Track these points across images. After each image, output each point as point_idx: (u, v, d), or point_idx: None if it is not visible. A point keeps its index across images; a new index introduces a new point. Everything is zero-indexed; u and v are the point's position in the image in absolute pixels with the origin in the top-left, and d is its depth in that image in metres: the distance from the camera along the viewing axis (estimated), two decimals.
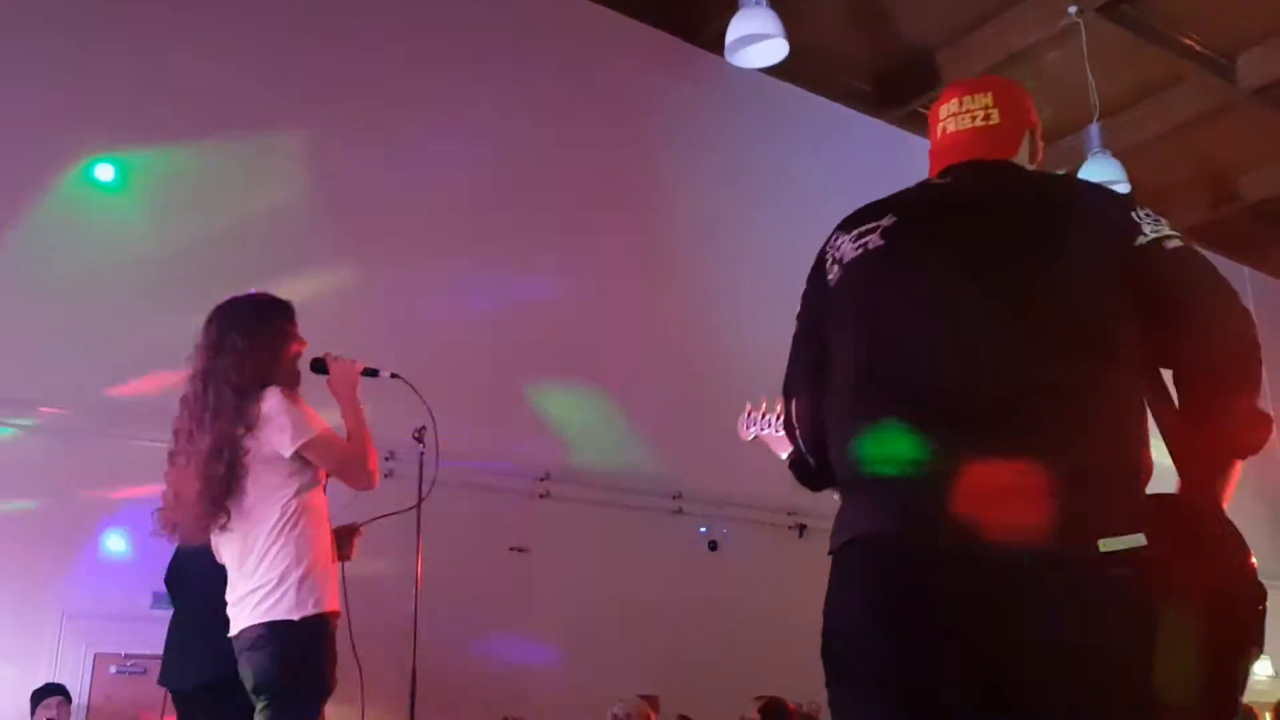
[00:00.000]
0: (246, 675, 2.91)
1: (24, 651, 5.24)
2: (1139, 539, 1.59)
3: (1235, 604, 1.70)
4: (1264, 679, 9.33)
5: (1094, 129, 8.28)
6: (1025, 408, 1.65)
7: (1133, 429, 1.68)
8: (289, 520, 2.93)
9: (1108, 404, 1.67)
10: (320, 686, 2.91)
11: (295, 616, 2.85)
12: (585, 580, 6.59)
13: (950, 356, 1.72)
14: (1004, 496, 1.60)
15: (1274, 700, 7.37)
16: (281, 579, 2.88)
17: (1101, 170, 8.24)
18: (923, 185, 2.02)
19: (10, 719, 4.92)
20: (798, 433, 1.96)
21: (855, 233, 1.93)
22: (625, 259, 7.44)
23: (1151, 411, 1.75)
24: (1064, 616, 1.56)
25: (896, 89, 9.02)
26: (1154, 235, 1.75)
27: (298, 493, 2.97)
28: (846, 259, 1.92)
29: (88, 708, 5.15)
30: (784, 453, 2.11)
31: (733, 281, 7.75)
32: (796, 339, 2.01)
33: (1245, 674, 1.72)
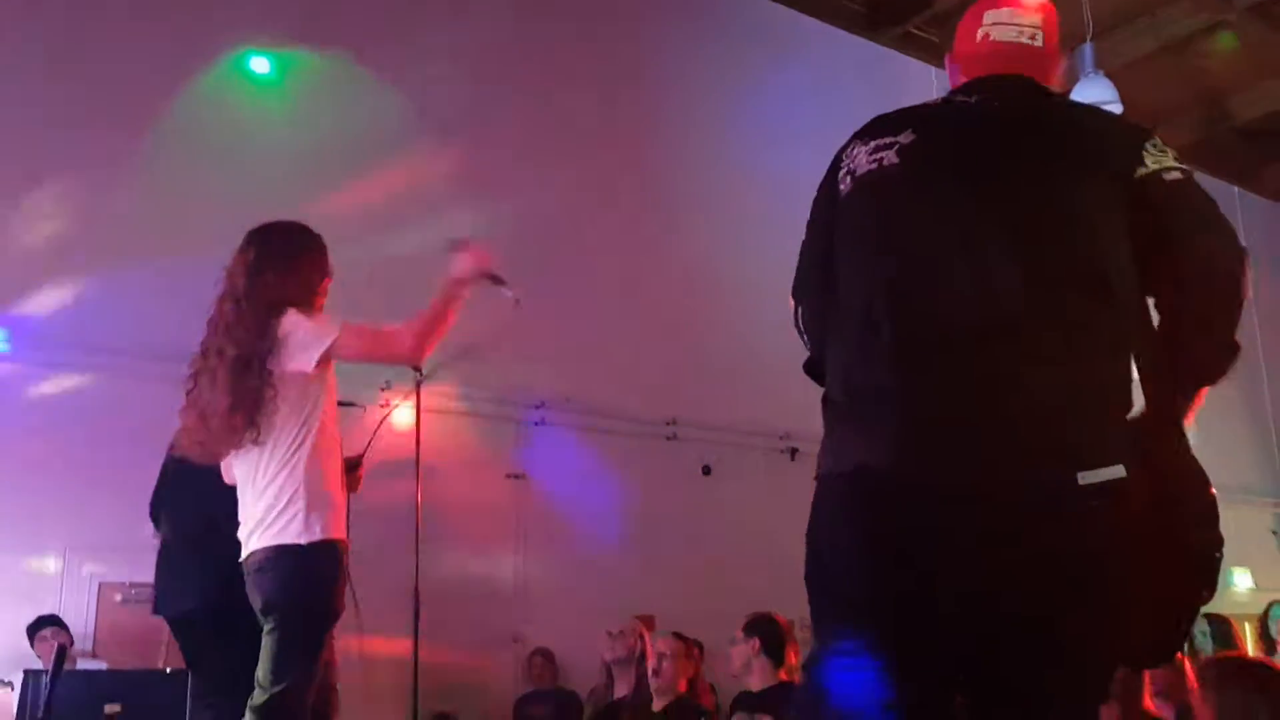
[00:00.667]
0: (255, 598, 2.94)
1: (29, 583, 5.32)
2: (1117, 470, 1.61)
3: (1192, 553, 1.70)
4: (1244, 591, 9.53)
5: (1087, 49, 8.21)
6: (1024, 336, 1.67)
7: (1124, 362, 1.69)
8: (301, 445, 2.94)
9: (1103, 336, 1.68)
10: (327, 610, 2.93)
11: (303, 541, 2.87)
12: (582, 505, 6.68)
13: (954, 284, 1.72)
14: (992, 427, 1.64)
15: (1255, 612, 7.53)
16: (290, 503, 2.89)
17: (1094, 91, 8.19)
18: (946, 102, 1.98)
19: (18, 649, 5.01)
20: (806, 338, 1.97)
21: (872, 145, 1.90)
22: (622, 190, 7.41)
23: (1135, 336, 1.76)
24: (1044, 543, 1.60)
25: (891, 10, 8.93)
26: (1154, 167, 1.76)
27: (310, 417, 2.97)
28: (859, 171, 1.89)
29: (94, 637, 5.23)
30: None
31: (727, 210, 7.73)
32: (805, 243, 1.99)
33: (1193, 620, 1.75)
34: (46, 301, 5.58)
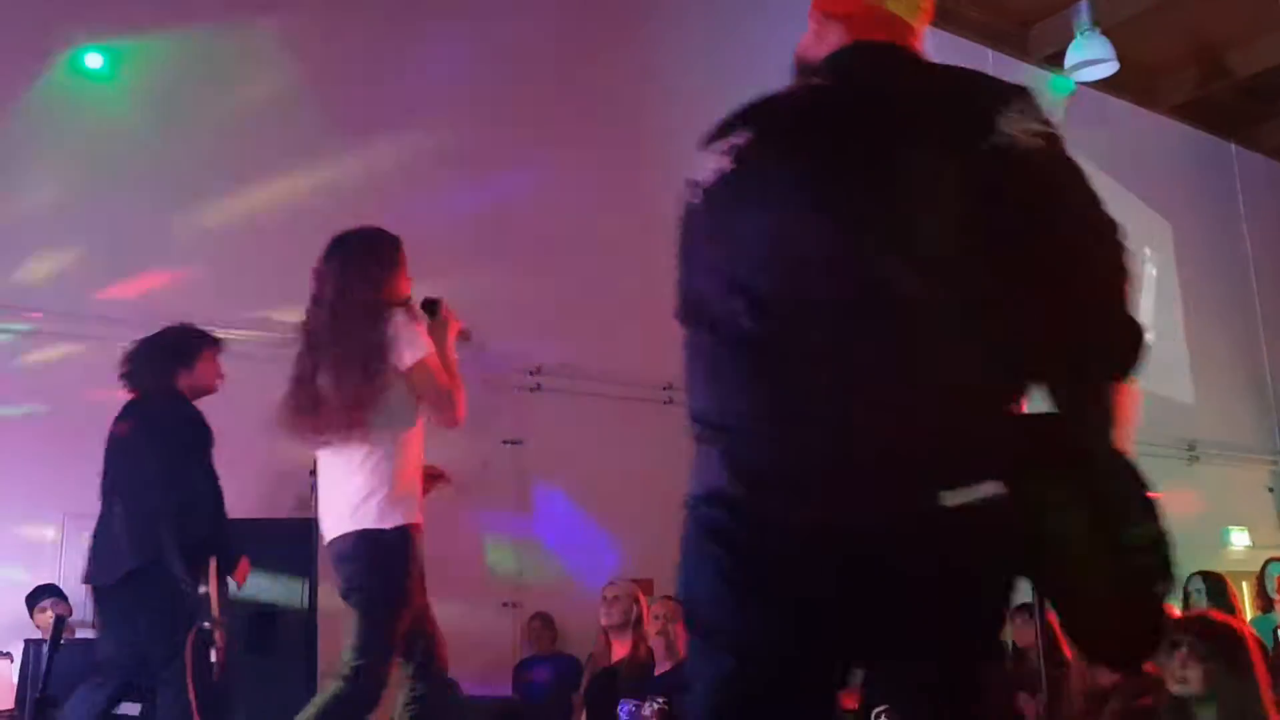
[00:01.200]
0: (338, 579, 3.17)
1: (29, 553, 5.32)
2: (991, 487, 1.47)
3: (1131, 552, 1.51)
4: (1240, 549, 9.58)
5: (1084, 6, 8.15)
6: (860, 363, 1.51)
7: (992, 367, 1.52)
8: (394, 438, 3.16)
9: (962, 342, 1.50)
10: (401, 595, 3.11)
11: (386, 525, 3.08)
12: (579, 470, 6.69)
13: (783, 312, 1.56)
14: (843, 459, 1.50)
15: (1252, 570, 7.57)
16: (374, 491, 3.10)
17: (1091, 48, 8.14)
18: (795, 86, 1.77)
19: (20, 618, 5.02)
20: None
21: (715, 148, 1.72)
22: (617, 152, 7.36)
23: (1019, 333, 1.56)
24: (915, 578, 1.48)
25: None
26: (1012, 134, 1.54)
27: (405, 419, 3.20)
28: (704, 181, 1.73)
29: (93, 607, 5.24)
30: None
31: None
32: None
33: (1159, 616, 1.56)
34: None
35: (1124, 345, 1.55)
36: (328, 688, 3.08)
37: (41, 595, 5.01)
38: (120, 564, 3.65)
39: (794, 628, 1.54)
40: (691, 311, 1.76)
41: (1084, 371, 1.56)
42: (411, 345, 3.17)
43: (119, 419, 3.87)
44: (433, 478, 3.49)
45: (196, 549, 3.58)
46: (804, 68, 1.79)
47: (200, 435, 3.80)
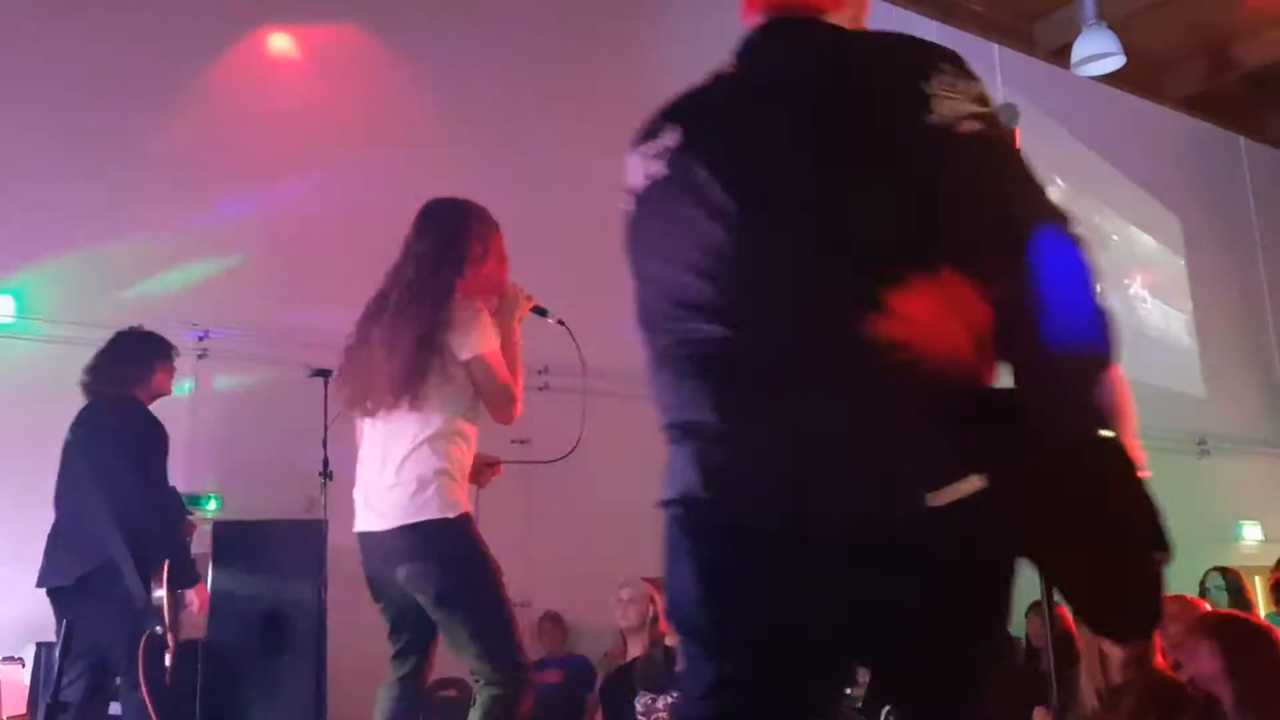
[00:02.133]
0: (400, 582, 2.90)
1: (30, 555, 5.32)
2: (973, 482, 1.41)
3: (1122, 524, 1.46)
4: (1254, 544, 9.53)
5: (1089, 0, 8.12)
6: (813, 365, 1.45)
7: (954, 359, 1.43)
8: (447, 427, 2.97)
9: (912, 339, 1.41)
10: (494, 582, 2.96)
11: (451, 514, 2.90)
12: (587, 469, 6.67)
13: (729, 318, 1.51)
14: (808, 468, 1.44)
15: (1266, 564, 7.53)
16: (437, 474, 2.90)
17: (1097, 43, 8.11)
18: (715, 78, 1.68)
19: (19, 620, 5.02)
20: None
21: (647, 152, 1.66)
22: (622, 147, 7.33)
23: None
24: (902, 587, 1.43)
25: None
26: (946, 115, 1.41)
27: (463, 405, 3.03)
28: (638, 188, 1.69)
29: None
30: None
31: None
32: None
33: (1158, 590, 1.53)
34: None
35: (1088, 354, 1.44)
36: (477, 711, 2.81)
37: None
38: (73, 567, 3.70)
39: (773, 629, 1.50)
40: (644, 319, 1.70)
41: (1050, 365, 1.43)
42: (469, 337, 2.97)
43: (75, 423, 3.92)
44: (487, 465, 3.33)
45: (148, 554, 3.61)
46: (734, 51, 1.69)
47: (156, 440, 3.83)
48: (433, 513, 2.86)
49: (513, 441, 6.68)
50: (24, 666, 4.68)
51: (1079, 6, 8.19)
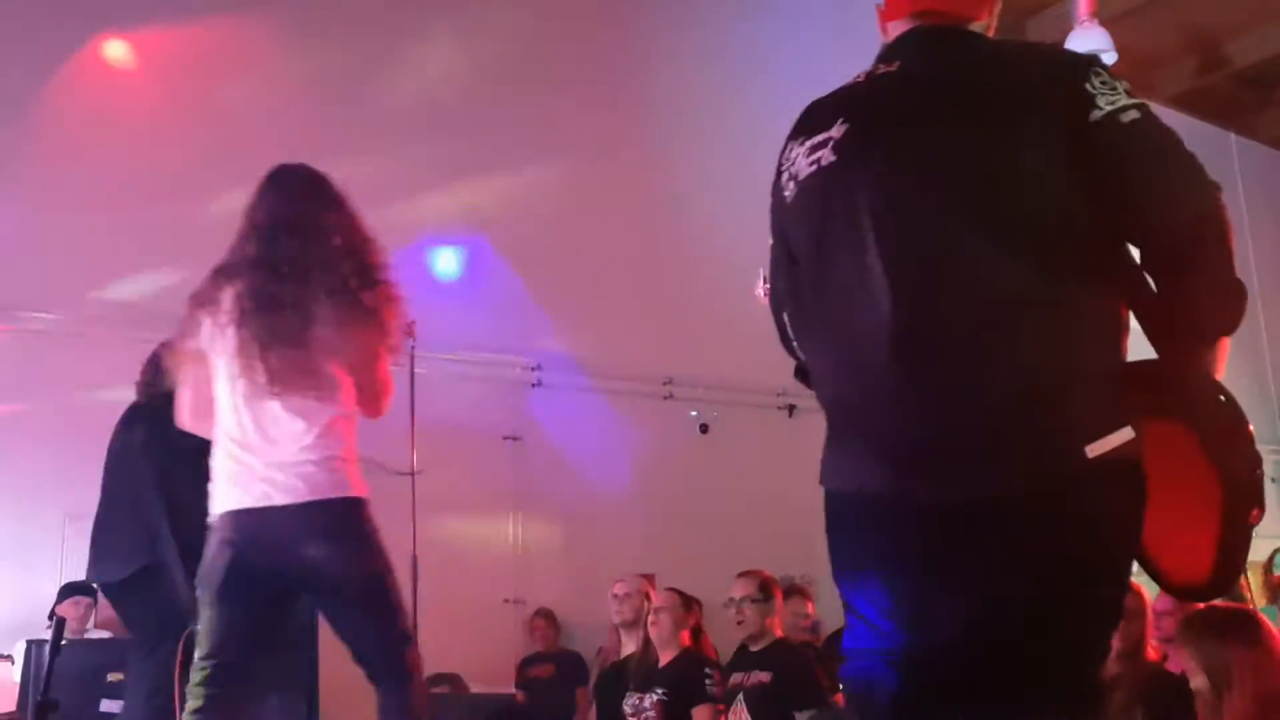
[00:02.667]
0: (294, 567, 2.71)
1: (30, 553, 5.32)
2: (1126, 432, 1.55)
3: (1240, 475, 1.62)
4: None
5: None
6: (975, 339, 1.58)
7: (1096, 333, 1.62)
8: (346, 404, 2.80)
9: (1066, 311, 1.59)
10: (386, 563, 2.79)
11: (354, 494, 2.74)
12: (580, 466, 6.67)
13: (893, 294, 1.61)
14: (972, 436, 1.56)
15: (1258, 560, 7.53)
16: (338, 454, 2.74)
17: (1088, 41, 8.11)
18: (870, 76, 1.81)
19: (20, 619, 5.02)
20: (794, 344, 1.92)
21: (809, 144, 1.78)
22: (609, 143, 7.34)
23: (1126, 298, 1.67)
24: (1058, 534, 1.53)
25: None
26: (1109, 108, 1.60)
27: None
28: (801, 175, 1.78)
29: (95, 606, 5.25)
30: None
31: (719, 163, 7.67)
32: (772, 252, 1.92)
33: (1247, 543, 1.66)
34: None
35: (1227, 316, 1.69)
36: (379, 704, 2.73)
37: (74, 591, 5.05)
38: (122, 563, 3.69)
39: (891, 601, 1.63)
40: (788, 293, 1.85)
41: (1188, 336, 1.67)
42: (344, 329, 2.77)
43: (123, 420, 3.90)
44: None
45: (195, 551, 3.59)
46: (881, 53, 1.82)
47: (202, 440, 3.82)
48: (349, 490, 2.74)
49: (505, 438, 6.70)
50: (14, 664, 4.67)
51: (1071, 4, 8.19)
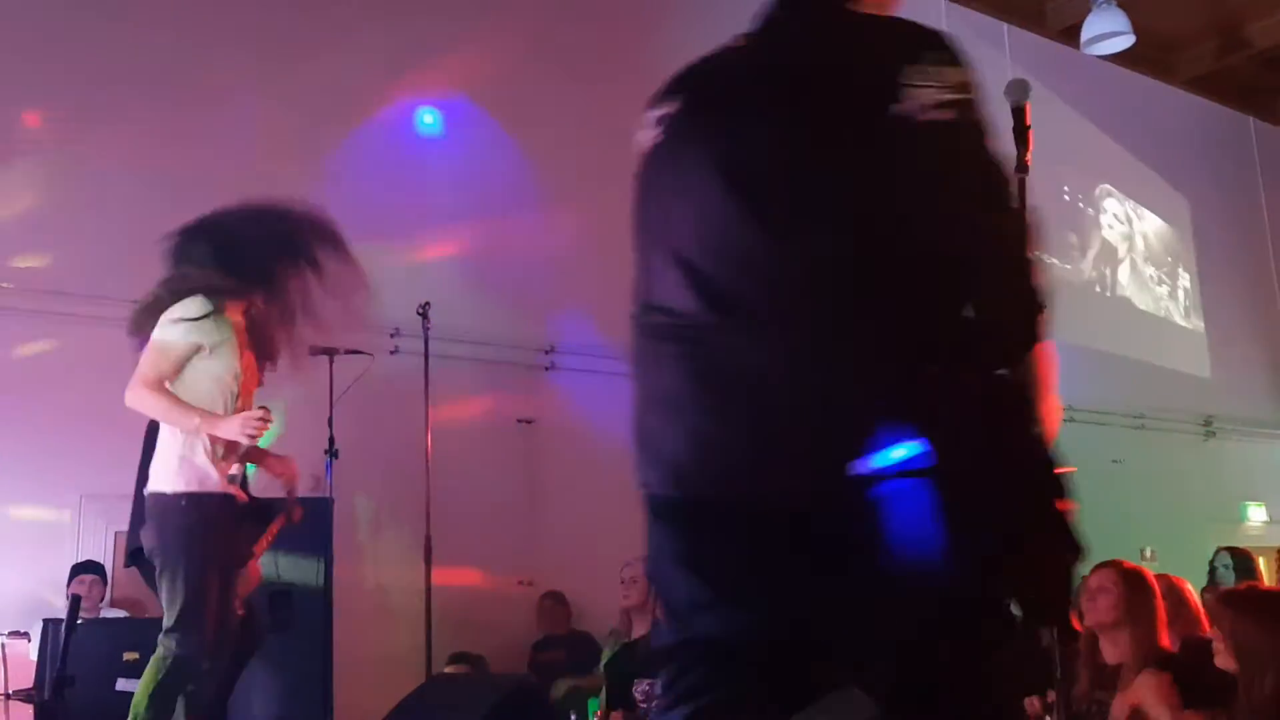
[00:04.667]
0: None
1: (47, 532, 5.36)
2: (915, 445, 1.39)
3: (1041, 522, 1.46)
4: (1258, 525, 9.53)
5: None
6: (773, 347, 1.49)
7: (897, 349, 1.44)
8: None
9: (855, 328, 1.44)
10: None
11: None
12: (592, 449, 6.67)
13: (704, 295, 1.55)
14: (768, 435, 1.49)
15: (1271, 545, 7.53)
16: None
17: (1107, 22, 8.07)
18: (723, 49, 1.66)
19: (35, 598, 5.06)
20: None
21: (653, 115, 1.66)
22: (631, 128, 7.31)
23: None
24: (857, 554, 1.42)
25: None
26: (919, 101, 1.40)
27: None
28: (642, 145, 1.68)
29: (111, 585, 5.28)
30: None
31: None
32: None
33: (1069, 582, 1.53)
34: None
35: (1021, 341, 1.47)
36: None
37: (85, 570, 5.10)
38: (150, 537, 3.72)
39: (741, 609, 1.54)
40: (635, 290, 1.79)
41: (982, 356, 1.46)
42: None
43: None
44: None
45: None
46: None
47: None
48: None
49: (519, 421, 6.70)
50: (30, 641, 4.71)
51: None
